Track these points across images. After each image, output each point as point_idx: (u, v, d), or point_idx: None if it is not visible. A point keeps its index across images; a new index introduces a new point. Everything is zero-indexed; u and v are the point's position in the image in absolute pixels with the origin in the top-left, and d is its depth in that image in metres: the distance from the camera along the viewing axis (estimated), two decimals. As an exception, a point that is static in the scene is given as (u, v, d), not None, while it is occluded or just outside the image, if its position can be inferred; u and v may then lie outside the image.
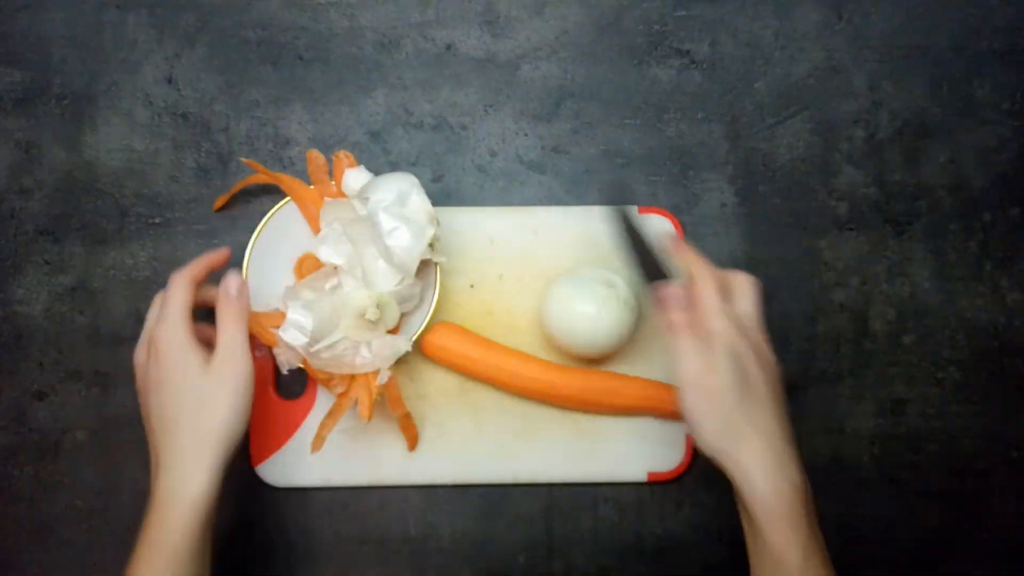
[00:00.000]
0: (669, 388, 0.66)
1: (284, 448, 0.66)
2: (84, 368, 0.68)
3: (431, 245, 0.62)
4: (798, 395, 0.70)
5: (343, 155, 0.65)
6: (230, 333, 0.58)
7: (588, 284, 0.64)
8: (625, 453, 0.67)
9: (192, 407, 0.56)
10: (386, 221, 0.61)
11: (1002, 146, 0.73)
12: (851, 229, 0.72)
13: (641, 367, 0.68)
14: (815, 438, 0.69)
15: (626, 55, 0.73)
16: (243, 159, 0.68)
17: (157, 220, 0.70)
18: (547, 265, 0.69)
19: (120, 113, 0.71)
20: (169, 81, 0.71)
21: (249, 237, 0.66)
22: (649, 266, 0.61)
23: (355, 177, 0.64)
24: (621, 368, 0.67)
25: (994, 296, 0.72)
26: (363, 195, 0.62)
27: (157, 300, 0.61)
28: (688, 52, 0.73)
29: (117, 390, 0.67)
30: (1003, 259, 0.72)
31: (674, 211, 0.71)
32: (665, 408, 0.66)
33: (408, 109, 0.72)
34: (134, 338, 0.67)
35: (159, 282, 0.68)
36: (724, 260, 0.71)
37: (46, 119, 0.70)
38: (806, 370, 0.70)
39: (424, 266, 0.63)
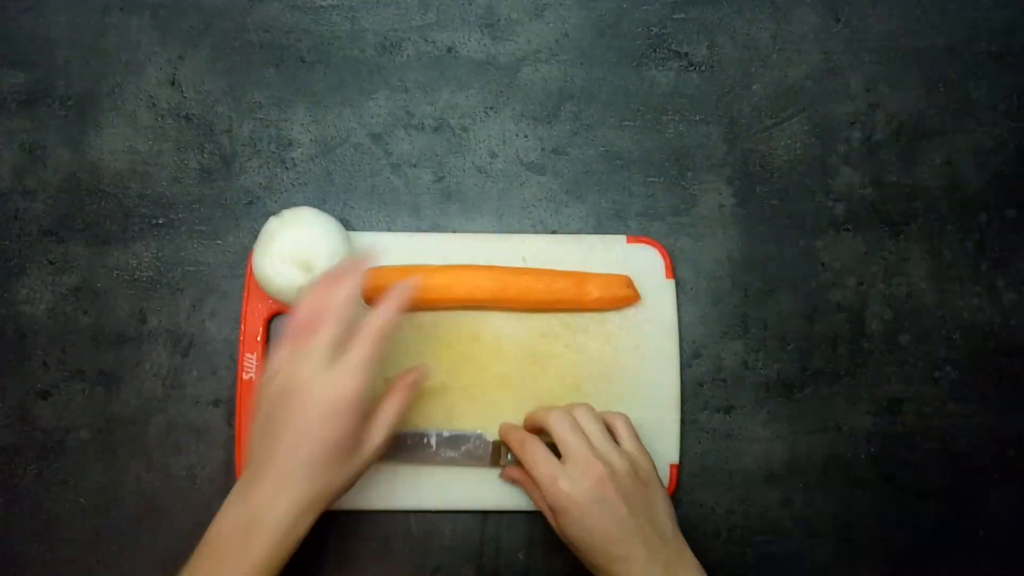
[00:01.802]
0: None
1: None
2: (88, 368, 0.68)
3: None
4: (795, 394, 0.70)
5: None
6: (392, 420, 0.58)
7: (286, 255, 0.63)
8: None
9: (325, 469, 0.55)
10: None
11: (998, 147, 0.74)
12: (848, 230, 0.72)
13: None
14: (812, 437, 0.70)
15: (625, 57, 0.74)
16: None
17: (160, 221, 0.70)
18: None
19: (124, 115, 0.71)
20: (172, 83, 0.72)
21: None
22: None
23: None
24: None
25: (990, 296, 0.72)
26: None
27: (336, 325, 0.55)
28: (686, 54, 0.74)
29: (121, 389, 0.68)
30: (999, 259, 0.73)
31: (672, 212, 0.72)
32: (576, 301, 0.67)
33: (409, 111, 0.72)
34: (137, 338, 0.68)
35: (162, 282, 0.69)
36: (722, 260, 0.71)
37: (50, 120, 0.71)
38: (803, 369, 0.70)
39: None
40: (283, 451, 0.54)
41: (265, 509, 0.53)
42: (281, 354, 0.56)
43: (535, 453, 0.60)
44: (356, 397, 0.54)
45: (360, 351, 0.55)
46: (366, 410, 0.56)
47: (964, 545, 0.69)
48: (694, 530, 0.68)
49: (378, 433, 0.57)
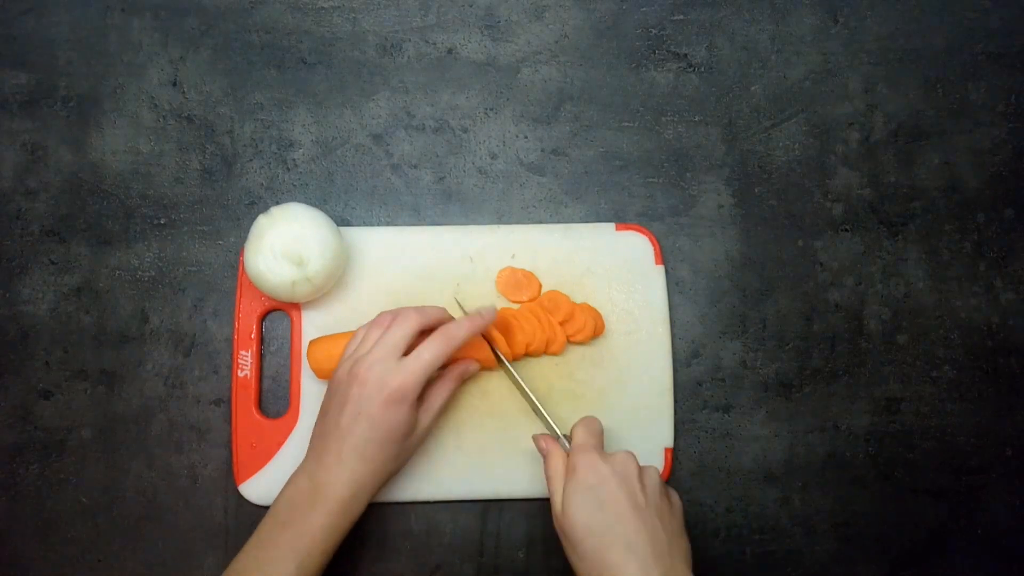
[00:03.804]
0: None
1: (268, 467, 0.66)
2: (90, 367, 0.68)
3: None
4: (794, 393, 0.70)
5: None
6: (440, 406, 0.63)
7: (277, 251, 0.63)
8: None
9: (381, 450, 0.60)
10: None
11: (996, 148, 0.74)
12: (846, 230, 0.73)
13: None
14: (811, 436, 0.70)
15: (624, 59, 0.74)
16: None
17: (162, 221, 0.70)
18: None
19: (125, 115, 0.71)
20: (174, 84, 0.72)
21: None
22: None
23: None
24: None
25: (988, 296, 0.72)
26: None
27: (409, 324, 0.61)
28: (686, 56, 0.74)
29: (122, 389, 0.68)
30: (997, 259, 0.73)
31: (671, 212, 0.72)
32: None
33: (410, 112, 0.73)
34: (139, 338, 0.68)
35: (164, 282, 0.69)
36: (721, 260, 0.72)
37: (52, 121, 0.71)
38: (802, 369, 0.71)
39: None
40: (345, 429, 0.59)
41: (326, 484, 0.58)
42: (359, 340, 0.62)
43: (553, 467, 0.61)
44: (413, 389, 0.59)
45: (429, 351, 0.60)
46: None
47: (962, 543, 0.70)
48: (693, 529, 0.68)
49: (426, 418, 0.62)
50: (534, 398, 0.65)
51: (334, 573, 0.67)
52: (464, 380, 0.66)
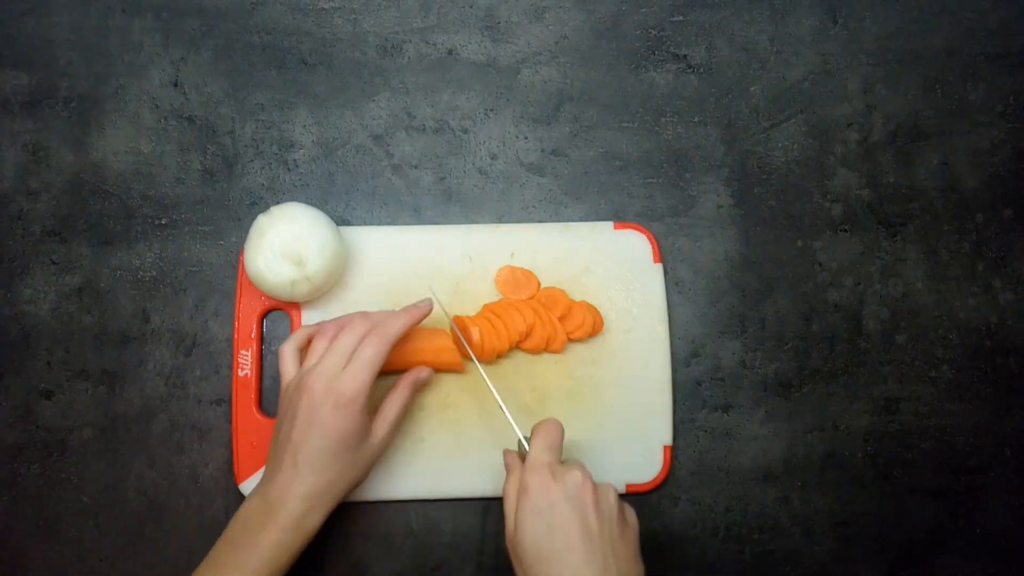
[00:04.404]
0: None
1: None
2: (91, 367, 0.68)
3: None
4: (793, 393, 0.71)
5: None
6: (396, 415, 0.62)
7: (277, 251, 0.63)
8: (603, 465, 0.67)
9: (334, 460, 0.59)
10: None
11: (995, 148, 0.75)
12: (845, 230, 0.73)
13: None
14: (810, 436, 0.70)
15: (624, 60, 0.74)
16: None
17: (163, 221, 0.70)
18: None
19: (127, 116, 0.72)
20: (175, 84, 0.72)
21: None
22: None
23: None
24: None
25: (986, 296, 0.73)
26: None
27: (356, 330, 0.60)
28: (685, 57, 0.74)
29: (123, 389, 0.68)
30: (995, 259, 0.73)
31: (671, 213, 0.72)
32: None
33: (410, 112, 0.73)
34: (140, 338, 0.68)
35: (165, 282, 0.69)
36: (720, 260, 0.72)
37: (53, 121, 0.71)
38: (800, 368, 0.71)
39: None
40: (295, 442, 0.58)
41: (279, 500, 0.57)
42: (308, 355, 0.61)
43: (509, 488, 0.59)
44: (359, 392, 0.58)
45: (368, 350, 0.59)
46: (372, 406, 0.61)
47: (960, 543, 0.70)
48: (692, 528, 0.69)
49: (382, 427, 0.62)
50: (502, 404, 0.64)
51: (335, 573, 0.67)
52: (419, 388, 0.65)
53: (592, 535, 0.54)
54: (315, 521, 0.58)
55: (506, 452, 0.62)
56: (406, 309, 0.62)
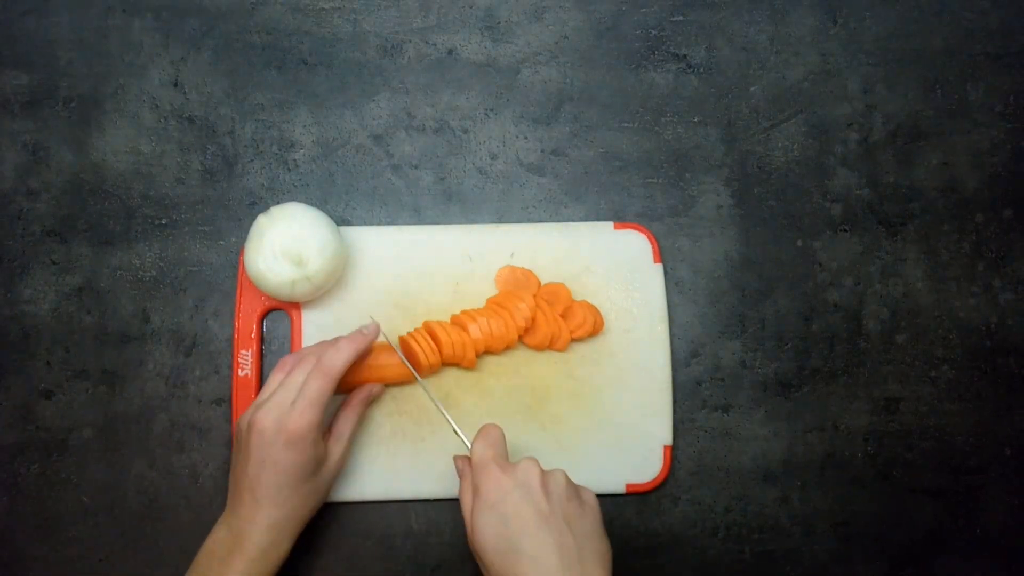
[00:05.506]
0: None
1: None
2: (91, 367, 0.68)
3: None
4: (793, 393, 0.71)
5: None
6: (350, 433, 0.64)
7: (277, 251, 0.63)
8: (604, 465, 0.67)
9: (294, 492, 0.59)
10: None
11: (995, 148, 0.75)
12: (845, 230, 0.73)
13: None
14: (810, 436, 0.70)
15: (624, 60, 0.74)
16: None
17: (163, 221, 0.70)
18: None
19: (127, 116, 0.72)
20: (175, 84, 0.72)
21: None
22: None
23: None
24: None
25: (986, 296, 0.73)
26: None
27: (305, 366, 0.61)
28: (685, 57, 0.75)
29: (123, 389, 0.68)
30: (995, 259, 0.73)
31: (671, 213, 0.72)
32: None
33: (410, 113, 0.73)
34: (140, 338, 0.69)
35: (165, 282, 0.69)
36: (720, 260, 0.72)
37: (53, 121, 0.71)
38: (800, 368, 0.71)
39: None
40: (251, 478, 0.59)
41: (243, 532, 0.58)
42: (263, 389, 0.62)
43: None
44: (309, 429, 0.59)
45: (313, 385, 0.59)
46: (324, 428, 0.62)
47: (960, 543, 0.70)
48: (692, 528, 0.69)
49: (338, 448, 0.63)
50: (444, 412, 0.64)
51: (335, 573, 0.67)
52: (371, 403, 0.66)
53: (545, 516, 0.54)
54: (282, 549, 0.59)
55: (456, 458, 0.62)
56: (350, 337, 0.62)
